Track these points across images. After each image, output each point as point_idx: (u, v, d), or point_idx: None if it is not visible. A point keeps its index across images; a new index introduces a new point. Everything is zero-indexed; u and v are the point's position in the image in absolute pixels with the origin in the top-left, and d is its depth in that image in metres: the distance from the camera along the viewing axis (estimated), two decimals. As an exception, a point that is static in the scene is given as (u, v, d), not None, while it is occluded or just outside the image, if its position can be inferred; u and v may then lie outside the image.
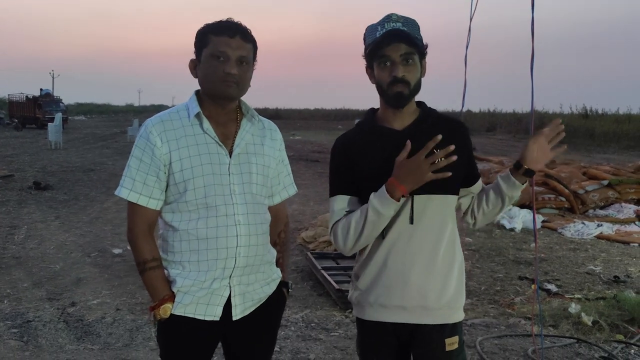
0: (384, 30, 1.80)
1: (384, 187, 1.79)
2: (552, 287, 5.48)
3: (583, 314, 4.40)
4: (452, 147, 1.75)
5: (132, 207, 1.88)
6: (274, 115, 56.90)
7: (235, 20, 1.88)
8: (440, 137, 1.75)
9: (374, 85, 1.91)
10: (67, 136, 25.36)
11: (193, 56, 1.91)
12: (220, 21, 1.86)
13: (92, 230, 7.66)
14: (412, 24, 1.85)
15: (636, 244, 7.51)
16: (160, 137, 1.85)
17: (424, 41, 1.87)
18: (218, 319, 1.89)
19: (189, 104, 1.92)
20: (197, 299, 1.87)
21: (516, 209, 9.07)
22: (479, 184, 2.05)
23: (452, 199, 1.94)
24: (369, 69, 1.90)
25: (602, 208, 9.66)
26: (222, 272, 1.86)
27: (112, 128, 36.88)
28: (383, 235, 1.87)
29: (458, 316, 1.94)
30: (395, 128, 1.91)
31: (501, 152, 20.84)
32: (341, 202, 1.93)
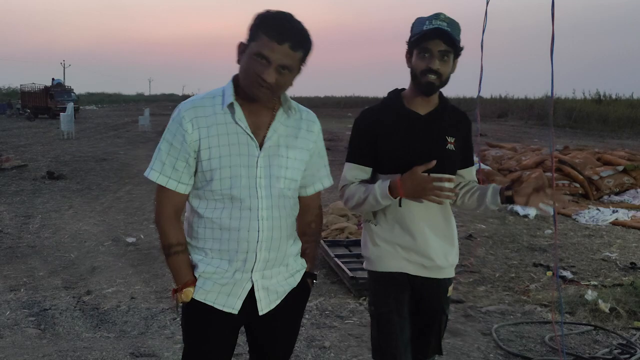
0: (431, 26, 2.04)
1: (389, 182, 2.06)
2: (567, 274, 5.43)
3: (600, 301, 4.36)
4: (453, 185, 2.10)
5: (161, 190, 1.86)
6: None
7: (293, 20, 1.77)
8: (451, 184, 2.09)
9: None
10: (79, 126, 25.46)
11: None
12: (276, 18, 1.75)
13: (106, 219, 7.69)
14: (455, 26, 2.08)
15: (653, 230, 7.43)
16: (191, 123, 1.81)
17: (462, 44, 2.10)
18: (236, 312, 1.88)
19: (225, 90, 1.87)
20: (219, 288, 1.86)
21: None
22: (470, 171, 2.33)
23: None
24: (409, 54, 2.14)
25: (617, 194, 9.56)
26: (243, 264, 1.85)
27: (123, 117, 37.00)
28: (400, 203, 2.15)
29: (453, 271, 2.33)
30: (419, 112, 2.17)
31: (514, 139, 20.66)
32: (355, 170, 2.19)
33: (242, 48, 1.81)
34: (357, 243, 6.04)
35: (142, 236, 6.76)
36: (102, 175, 11.82)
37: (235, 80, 1.87)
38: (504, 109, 40.65)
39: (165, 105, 61.13)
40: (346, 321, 4.21)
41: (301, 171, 1.94)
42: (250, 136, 1.83)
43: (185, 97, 77.30)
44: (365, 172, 2.19)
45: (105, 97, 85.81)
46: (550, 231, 7.37)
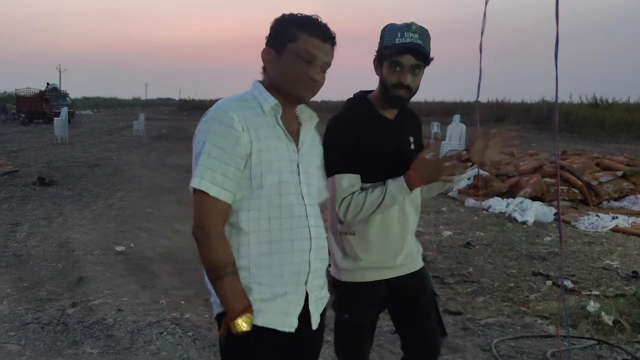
0: (403, 40, 2.03)
1: (402, 177, 2.05)
2: (568, 284, 5.28)
3: (603, 313, 4.21)
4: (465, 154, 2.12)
5: (211, 202, 1.66)
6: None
7: (323, 21, 1.75)
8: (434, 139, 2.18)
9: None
10: (73, 131, 25.26)
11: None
12: (311, 18, 1.73)
13: (96, 227, 7.52)
14: (426, 37, 2.08)
15: (653, 237, 7.30)
16: (242, 123, 1.69)
17: (431, 54, 2.10)
18: (294, 330, 1.76)
19: (257, 94, 1.77)
20: (276, 307, 1.73)
21: (528, 201, 8.87)
22: None
23: None
24: (379, 64, 2.13)
25: (616, 200, 9.44)
26: (297, 277, 1.75)
27: (118, 122, 36.85)
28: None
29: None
30: (389, 117, 2.21)
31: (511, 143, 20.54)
32: (351, 179, 2.11)
33: (271, 54, 1.76)
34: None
35: (132, 245, 6.60)
36: (94, 182, 11.65)
37: (262, 85, 1.81)
38: (502, 113, 40.61)
39: (161, 109, 61.01)
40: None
41: (321, 179, 1.95)
42: (290, 140, 1.78)
43: (182, 101, 77.52)
44: (358, 180, 2.14)
45: (101, 102, 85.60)
46: (549, 238, 7.23)
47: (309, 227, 1.75)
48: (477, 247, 6.67)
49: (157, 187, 11.08)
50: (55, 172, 12.69)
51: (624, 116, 30.44)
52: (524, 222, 8.06)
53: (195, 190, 1.67)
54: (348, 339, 2.31)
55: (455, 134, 14.90)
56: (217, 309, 1.78)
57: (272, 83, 1.77)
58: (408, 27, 2.04)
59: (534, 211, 8.30)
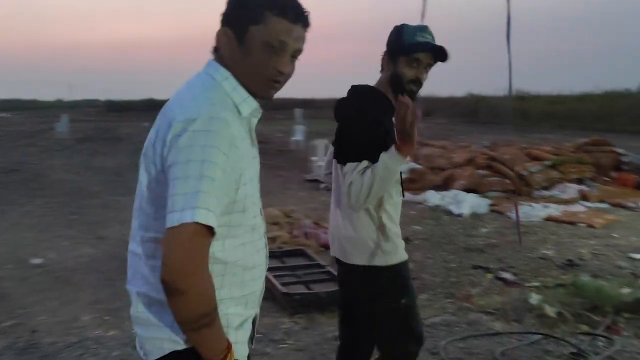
0: (425, 40, 2.19)
1: (393, 146, 2.07)
2: (508, 276, 5.25)
3: (546, 305, 4.17)
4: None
5: (207, 238, 1.28)
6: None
7: None
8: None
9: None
10: (-11, 135, 23.73)
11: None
12: None
13: (10, 238, 6.90)
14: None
15: (583, 224, 7.46)
16: (238, 135, 1.37)
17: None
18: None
19: (230, 90, 1.42)
20: (244, 335, 1.51)
21: (462, 193, 8.90)
22: None
23: None
24: (389, 58, 2.25)
25: (546, 189, 9.63)
26: (258, 302, 1.57)
27: (39, 125, 34.89)
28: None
29: None
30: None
31: (441, 137, 20.87)
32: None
33: (230, 37, 1.40)
34: (292, 253, 5.66)
35: (52, 256, 6.09)
36: (11, 188, 10.82)
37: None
38: (429, 108, 41.37)
39: (87, 111, 58.50)
40: (280, 345, 3.80)
41: None
42: (256, 148, 1.51)
43: (109, 102, 74.63)
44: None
45: (19, 104, 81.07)
46: (485, 230, 7.26)
47: (265, 246, 1.56)
48: (416, 241, 6.58)
49: (81, 192, 10.43)
50: (-33, 180, 11.76)
51: (546, 108, 31.67)
52: (459, 215, 8.06)
53: (184, 224, 1.24)
54: (413, 322, 2.33)
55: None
56: (171, 345, 1.41)
57: (235, 76, 1.43)
58: (425, 28, 2.22)
59: (469, 203, 8.34)
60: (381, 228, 2.22)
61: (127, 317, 4.27)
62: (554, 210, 8.14)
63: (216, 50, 1.46)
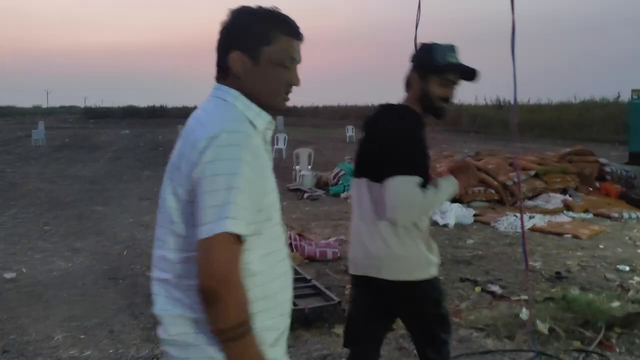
0: (457, 61, 2.29)
1: (453, 177, 2.29)
2: (496, 289, 5.14)
3: (538, 321, 4.05)
4: None
5: (238, 246, 1.37)
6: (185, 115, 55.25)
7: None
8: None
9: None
10: (-37, 142, 23.19)
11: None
12: (278, 13, 1.53)
13: (-19, 250, 6.65)
14: None
15: (569, 235, 7.40)
16: (259, 146, 1.47)
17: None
18: None
19: (244, 108, 1.52)
20: (280, 352, 1.58)
21: (447, 203, 8.80)
22: None
23: None
24: (420, 76, 2.31)
25: (530, 199, 9.59)
26: (289, 312, 1.60)
27: (15, 131, 34.26)
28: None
29: None
30: None
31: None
32: (419, 182, 2.14)
33: (245, 61, 1.51)
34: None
35: (24, 270, 5.85)
36: (-17, 198, 10.52)
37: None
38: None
39: (65, 117, 57.70)
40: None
41: None
42: (272, 159, 1.59)
43: (88, 109, 73.78)
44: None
45: (-5, 110, 79.70)
46: (472, 241, 7.17)
47: (288, 254, 1.62)
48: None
49: (56, 201, 10.17)
50: (-62, 189, 11.39)
51: (526, 116, 31.90)
52: (445, 225, 7.96)
53: (217, 234, 1.33)
54: (449, 329, 2.41)
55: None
56: None
57: (249, 94, 1.53)
58: (453, 48, 2.30)
59: (454, 214, 8.24)
60: (427, 241, 2.31)
61: (104, 334, 4.10)
62: (539, 220, 8.08)
63: (224, 74, 1.55)
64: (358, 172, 2.35)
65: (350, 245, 2.41)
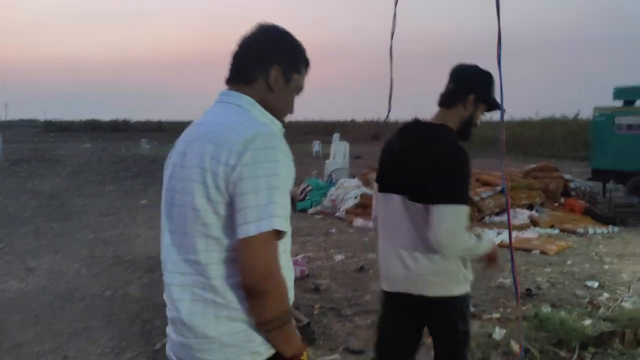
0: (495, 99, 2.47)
1: (494, 243, 2.39)
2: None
3: (512, 342, 3.96)
4: None
5: (276, 239, 1.48)
6: (156, 128, 54.52)
7: None
8: None
9: None
10: None
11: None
12: (305, 50, 1.73)
13: None
14: None
15: (537, 251, 7.41)
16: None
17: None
18: None
19: (261, 116, 1.63)
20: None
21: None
22: None
23: None
24: (473, 106, 2.36)
25: (497, 214, 9.62)
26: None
27: (-29, 145, 33.12)
28: None
29: None
30: None
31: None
32: (467, 212, 2.19)
33: (279, 78, 1.67)
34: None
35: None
36: None
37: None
38: (377, 131, 41.73)
39: (24, 131, 56.16)
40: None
41: None
42: None
43: (48, 122, 71.89)
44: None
45: (-53, 123, 77.10)
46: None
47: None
48: (370, 270, 6.32)
49: (11, 218, 9.73)
50: None
51: (489, 133, 32.44)
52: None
53: (262, 232, 1.43)
54: (469, 349, 2.44)
55: (339, 153, 14.78)
56: (251, 358, 1.55)
57: (268, 106, 1.67)
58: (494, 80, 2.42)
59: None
60: (463, 257, 2.33)
61: (56, 362, 3.82)
62: (507, 236, 8.06)
63: (249, 82, 1.65)
64: (387, 187, 2.36)
65: (384, 262, 2.41)
